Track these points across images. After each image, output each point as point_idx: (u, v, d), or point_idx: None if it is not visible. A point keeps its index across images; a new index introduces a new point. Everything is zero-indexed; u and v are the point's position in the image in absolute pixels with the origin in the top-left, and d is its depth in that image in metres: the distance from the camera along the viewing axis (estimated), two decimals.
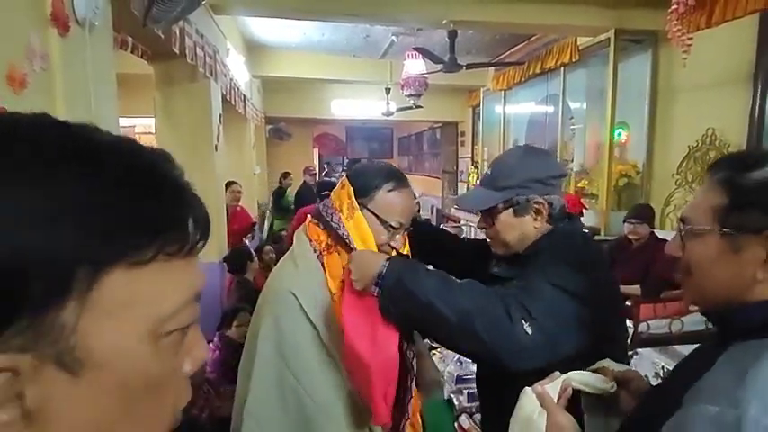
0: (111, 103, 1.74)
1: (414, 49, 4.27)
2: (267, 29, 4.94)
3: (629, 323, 1.96)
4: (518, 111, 5.87)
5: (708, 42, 2.82)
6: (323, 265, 0.97)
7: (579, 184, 4.46)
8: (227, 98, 3.96)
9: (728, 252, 0.63)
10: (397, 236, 1.02)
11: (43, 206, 0.26)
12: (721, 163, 0.69)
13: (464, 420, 2.32)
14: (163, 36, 2.32)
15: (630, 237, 3.03)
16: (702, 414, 0.53)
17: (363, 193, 0.98)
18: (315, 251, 0.98)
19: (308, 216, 1.06)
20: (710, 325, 0.72)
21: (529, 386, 0.81)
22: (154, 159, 0.32)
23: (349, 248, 0.97)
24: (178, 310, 0.32)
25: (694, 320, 2.16)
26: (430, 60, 4.10)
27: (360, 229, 0.97)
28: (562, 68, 4.56)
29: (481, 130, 6.86)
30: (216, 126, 3.54)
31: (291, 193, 6.91)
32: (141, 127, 6.10)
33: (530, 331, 0.86)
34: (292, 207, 6.38)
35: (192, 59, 2.74)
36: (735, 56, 2.97)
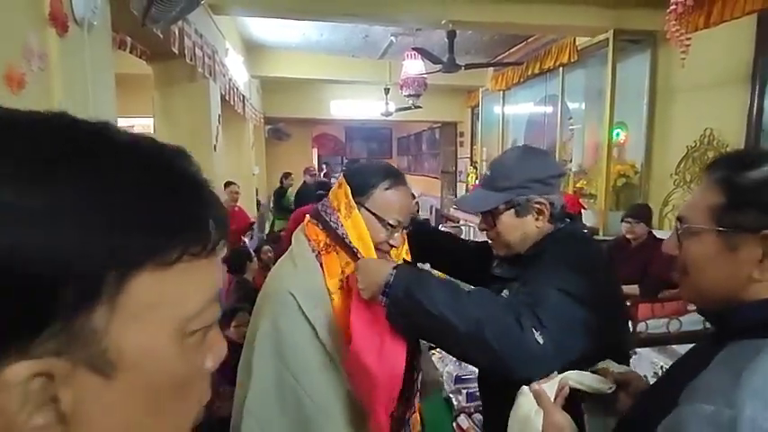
0: (109, 103, 1.74)
1: (413, 49, 4.27)
2: (266, 29, 4.94)
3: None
4: (517, 111, 5.88)
5: (706, 43, 2.83)
6: (321, 264, 0.97)
7: (578, 185, 4.47)
8: (226, 98, 3.96)
9: (725, 251, 0.63)
10: (396, 234, 1.02)
11: (75, 210, 0.26)
12: (719, 162, 0.69)
13: (463, 420, 2.32)
14: (162, 36, 2.32)
15: (628, 236, 3.03)
16: (698, 413, 0.53)
17: (360, 192, 0.99)
18: (313, 251, 0.98)
19: (307, 216, 1.06)
20: (709, 325, 0.72)
21: (527, 385, 0.82)
22: (174, 158, 0.32)
23: (348, 248, 0.97)
24: (202, 310, 0.32)
25: (692, 320, 2.16)
26: (429, 60, 4.11)
27: (358, 228, 0.97)
28: (561, 69, 4.57)
29: (480, 131, 6.87)
30: (215, 126, 3.54)
31: (292, 193, 6.92)
32: (140, 127, 6.08)
33: (541, 340, 0.85)
34: (293, 207, 6.39)
35: (190, 59, 2.74)
36: (733, 56, 2.98)
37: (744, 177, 0.62)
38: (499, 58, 5.74)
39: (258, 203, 7.10)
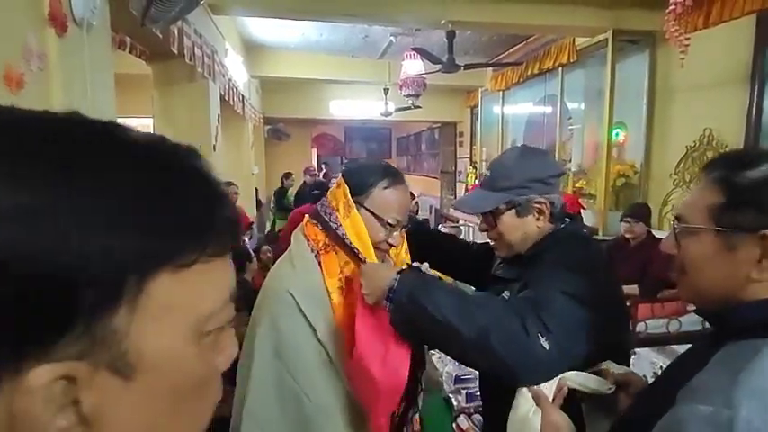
0: (109, 103, 1.74)
1: (412, 49, 4.27)
2: (265, 29, 4.94)
3: None
4: (516, 111, 5.88)
5: (705, 43, 2.83)
6: (320, 264, 0.97)
7: (577, 185, 4.47)
8: (226, 98, 3.96)
9: (723, 251, 0.63)
10: (395, 233, 1.02)
11: (96, 212, 0.26)
12: (717, 162, 0.69)
13: (462, 421, 2.32)
14: (161, 36, 2.31)
15: (627, 235, 3.04)
16: (695, 414, 0.53)
17: (359, 191, 0.99)
18: (312, 251, 0.98)
19: (306, 216, 1.06)
20: (708, 325, 0.72)
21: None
22: (189, 158, 0.33)
23: (347, 247, 0.97)
24: (218, 310, 0.32)
25: (692, 320, 2.17)
26: (428, 61, 4.11)
27: (356, 227, 0.97)
28: (560, 69, 4.57)
29: (479, 131, 6.87)
30: (214, 126, 3.54)
31: (293, 193, 6.94)
32: (139, 127, 6.07)
33: (547, 346, 0.84)
34: (293, 207, 6.40)
35: (190, 59, 2.74)
36: (732, 56, 2.98)
37: (742, 177, 0.62)
38: (498, 58, 5.75)
39: (258, 203, 7.10)
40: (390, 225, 0.99)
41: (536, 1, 3.48)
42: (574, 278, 0.92)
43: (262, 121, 7.61)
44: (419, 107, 5.49)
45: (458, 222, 5.80)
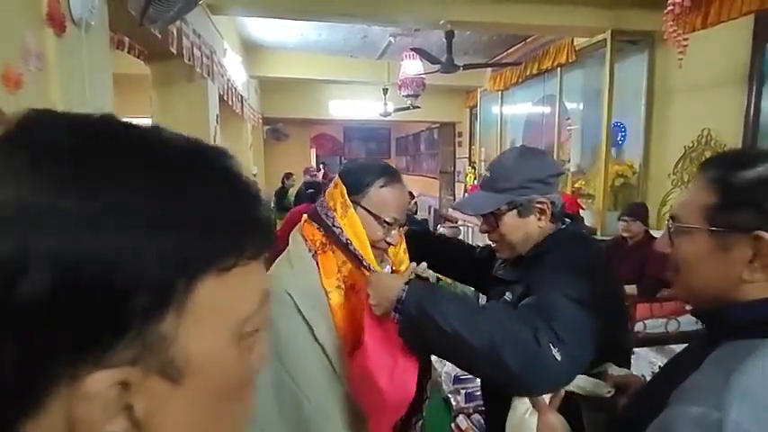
0: (107, 104, 1.74)
1: (411, 49, 4.27)
2: (264, 29, 4.94)
3: None
4: (515, 111, 5.88)
5: (703, 43, 2.84)
6: (318, 264, 0.97)
7: (576, 185, 4.47)
8: (225, 98, 3.96)
9: (716, 250, 0.63)
10: (393, 231, 1.01)
11: (148, 216, 0.26)
12: (713, 161, 0.69)
13: (462, 421, 2.32)
14: (160, 36, 2.31)
15: (624, 234, 3.06)
16: (684, 415, 0.53)
17: (356, 190, 0.99)
18: (310, 251, 0.98)
19: (304, 216, 1.06)
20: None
21: None
22: (225, 159, 0.33)
23: (345, 247, 0.97)
24: (256, 312, 0.33)
25: (691, 320, 2.16)
26: (427, 61, 4.11)
27: (354, 226, 0.97)
28: (559, 69, 4.58)
29: (478, 131, 6.87)
30: (213, 126, 3.53)
31: (293, 193, 6.97)
32: None
33: (558, 357, 0.83)
34: (293, 207, 6.43)
35: (189, 60, 2.74)
36: (730, 57, 2.98)
37: (737, 177, 0.62)
38: (497, 58, 5.75)
39: None
40: (388, 223, 0.99)
41: (535, 1, 3.48)
42: (576, 280, 0.92)
43: (261, 121, 7.60)
44: (418, 107, 5.49)
45: (456, 223, 5.80)
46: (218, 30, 3.66)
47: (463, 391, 2.40)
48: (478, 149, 6.77)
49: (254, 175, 6.66)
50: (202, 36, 3.01)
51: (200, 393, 0.30)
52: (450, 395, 2.45)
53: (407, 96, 4.98)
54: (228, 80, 4.05)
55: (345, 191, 0.99)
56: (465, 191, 6.79)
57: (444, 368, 2.50)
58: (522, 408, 0.82)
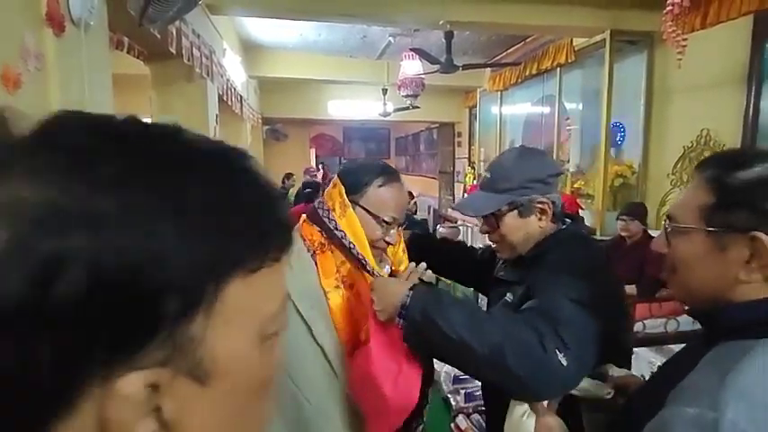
0: (106, 104, 1.74)
1: (410, 49, 4.28)
2: (264, 29, 4.94)
3: None
4: (514, 111, 5.89)
5: (702, 43, 2.84)
6: (316, 264, 0.97)
7: (575, 185, 4.48)
8: (224, 99, 3.95)
9: (713, 251, 0.62)
10: (392, 231, 1.01)
11: (179, 218, 0.26)
12: (710, 161, 0.69)
13: (461, 421, 2.32)
14: (159, 36, 2.31)
15: (623, 233, 3.07)
16: (681, 416, 0.53)
17: (354, 190, 0.99)
18: (308, 250, 0.98)
19: (303, 216, 1.06)
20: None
21: None
22: (246, 160, 0.33)
23: (344, 247, 0.97)
24: (278, 313, 0.33)
25: (690, 320, 2.16)
26: (427, 61, 4.11)
27: (353, 226, 0.97)
28: (558, 69, 4.58)
29: (478, 131, 6.88)
30: (212, 127, 3.53)
31: (293, 193, 6.99)
32: None
33: (564, 362, 0.82)
34: (292, 207, 6.45)
35: (188, 60, 2.74)
36: (729, 57, 2.99)
37: (734, 177, 0.62)
38: (497, 58, 5.75)
39: None
40: (386, 223, 0.99)
41: (534, 1, 3.48)
42: (578, 282, 0.92)
43: (260, 121, 7.60)
44: (417, 107, 5.50)
45: (456, 223, 5.80)
46: (217, 30, 3.66)
47: (463, 391, 2.40)
48: (478, 149, 6.78)
49: None
50: (202, 36, 3.01)
51: (227, 394, 0.30)
52: (449, 395, 2.45)
53: (407, 96, 4.98)
54: (228, 80, 4.05)
55: (344, 190, 0.98)
56: (464, 191, 6.79)
57: (444, 368, 2.50)
58: (519, 410, 0.82)
